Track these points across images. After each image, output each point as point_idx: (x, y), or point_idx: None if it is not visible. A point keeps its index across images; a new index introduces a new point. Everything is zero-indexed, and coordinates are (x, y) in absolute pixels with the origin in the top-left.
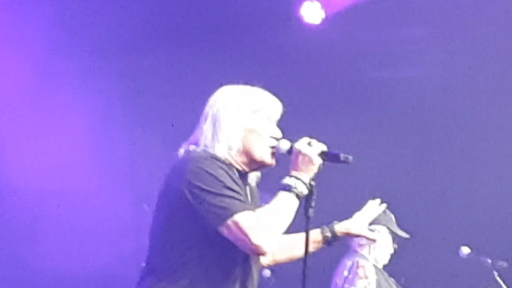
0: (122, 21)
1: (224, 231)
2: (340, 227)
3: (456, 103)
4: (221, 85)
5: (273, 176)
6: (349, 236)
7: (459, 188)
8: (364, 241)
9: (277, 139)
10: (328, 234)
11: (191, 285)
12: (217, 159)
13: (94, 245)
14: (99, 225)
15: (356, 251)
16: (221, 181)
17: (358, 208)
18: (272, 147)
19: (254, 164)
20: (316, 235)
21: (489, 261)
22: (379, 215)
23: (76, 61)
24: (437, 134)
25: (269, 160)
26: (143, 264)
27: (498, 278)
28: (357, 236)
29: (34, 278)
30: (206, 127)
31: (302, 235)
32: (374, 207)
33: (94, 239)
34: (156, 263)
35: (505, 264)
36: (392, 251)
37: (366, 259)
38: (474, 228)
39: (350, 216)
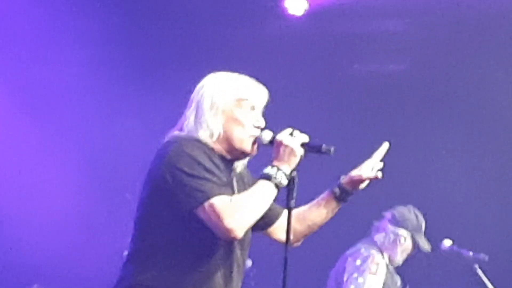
0: (103, 12)
1: (200, 213)
2: (345, 178)
3: (438, 97)
4: (203, 75)
5: (254, 167)
6: (356, 182)
7: (441, 181)
8: (387, 242)
9: (260, 129)
10: (336, 190)
11: (169, 270)
12: (199, 141)
13: (75, 235)
14: (80, 215)
15: (376, 244)
16: (201, 164)
17: None
18: (254, 136)
19: (235, 152)
20: (326, 196)
21: (471, 254)
22: (410, 219)
23: (56, 50)
24: (419, 128)
25: (249, 149)
26: (126, 253)
27: (479, 271)
28: (362, 180)
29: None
30: (189, 113)
31: (312, 202)
32: (381, 152)
33: (75, 230)
34: (137, 248)
35: (486, 257)
36: (409, 255)
37: (382, 255)
38: (456, 221)
39: None
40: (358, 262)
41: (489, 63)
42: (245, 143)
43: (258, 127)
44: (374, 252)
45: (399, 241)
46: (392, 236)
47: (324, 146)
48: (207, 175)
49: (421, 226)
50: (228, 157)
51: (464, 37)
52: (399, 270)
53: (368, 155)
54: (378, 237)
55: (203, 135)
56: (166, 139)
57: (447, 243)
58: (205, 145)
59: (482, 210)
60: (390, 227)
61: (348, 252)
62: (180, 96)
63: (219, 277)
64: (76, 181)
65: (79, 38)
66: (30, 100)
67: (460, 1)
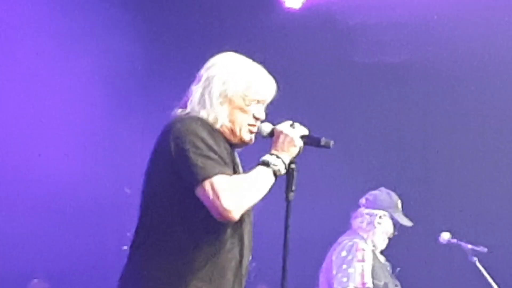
0: (103, 3)
1: (199, 191)
2: None
3: (440, 89)
4: (199, 68)
5: (252, 159)
6: None
7: (440, 172)
8: (365, 224)
9: (260, 120)
10: None
11: (181, 257)
12: (203, 121)
13: (75, 229)
14: (80, 209)
15: (356, 232)
16: (205, 143)
17: (339, 192)
18: (251, 125)
19: (234, 138)
20: None
21: (469, 246)
22: (383, 199)
23: (54, 42)
24: (420, 120)
25: (247, 137)
26: (124, 248)
27: (478, 264)
28: None
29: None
30: (196, 89)
31: None
32: None
33: (75, 225)
34: (146, 237)
35: (485, 250)
36: (391, 236)
37: (366, 242)
38: (454, 213)
39: (331, 199)
40: (344, 253)
41: (491, 55)
42: (244, 131)
43: (257, 119)
44: (357, 240)
45: (376, 221)
46: (368, 218)
47: (323, 139)
48: (209, 153)
49: (396, 203)
50: (229, 140)
51: (465, 28)
52: (396, 261)
53: (367, 147)
54: (356, 223)
55: (206, 115)
56: (171, 118)
57: (445, 235)
58: (208, 123)
59: (481, 202)
60: (365, 210)
61: (333, 247)
62: (177, 89)
63: (230, 262)
64: (76, 175)
65: (79, 28)
66: (32, 93)
67: None
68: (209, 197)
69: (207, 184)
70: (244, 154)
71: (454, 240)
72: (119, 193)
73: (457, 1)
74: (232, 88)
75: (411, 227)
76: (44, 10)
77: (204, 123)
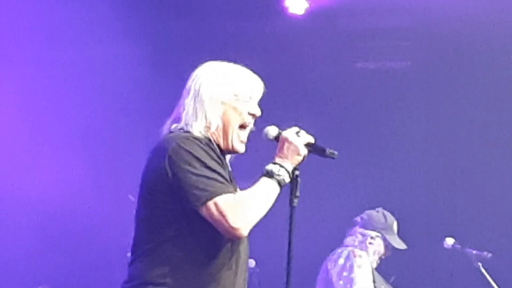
0: (106, 8)
1: (204, 212)
2: None
3: (441, 94)
4: None
5: (254, 161)
6: None
7: (443, 178)
8: (356, 242)
9: (255, 117)
10: None
11: (178, 266)
12: (198, 139)
13: (80, 237)
14: (84, 216)
15: (351, 245)
16: (203, 162)
17: (342, 199)
18: (244, 126)
19: (226, 145)
20: None
21: (474, 252)
22: (377, 220)
23: (55, 48)
24: (424, 125)
25: (239, 147)
26: (128, 254)
27: (482, 269)
28: None
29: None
30: (187, 102)
31: None
32: None
33: (79, 232)
34: (143, 247)
35: (489, 255)
36: (383, 257)
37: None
38: (459, 218)
39: (334, 206)
40: (342, 260)
41: (492, 60)
42: (235, 138)
43: (253, 115)
44: (352, 248)
45: (368, 241)
46: (360, 237)
47: (328, 150)
48: (208, 173)
49: (390, 226)
50: (222, 148)
51: (467, 33)
52: (400, 266)
53: (371, 152)
54: (348, 241)
55: (200, 127)
56: (165, 132)
57: (449, 241)
58: (202, 140)
59: (485, 208)
60: (359, 230)
61: (328, 257)
62: (179, 96)
63: (227, 271)
64: (79, 181)
65: (84, 35)
66: (34, 98)
67: None
68: (215, 218)
69: (211, 205)
70: (245, 154)
71: (459, 246)
72: (123, 200)
73: (461, 6)
74: (221, 91)
75: (416, 233)
76: (46, 15)
77: (198, 140)
